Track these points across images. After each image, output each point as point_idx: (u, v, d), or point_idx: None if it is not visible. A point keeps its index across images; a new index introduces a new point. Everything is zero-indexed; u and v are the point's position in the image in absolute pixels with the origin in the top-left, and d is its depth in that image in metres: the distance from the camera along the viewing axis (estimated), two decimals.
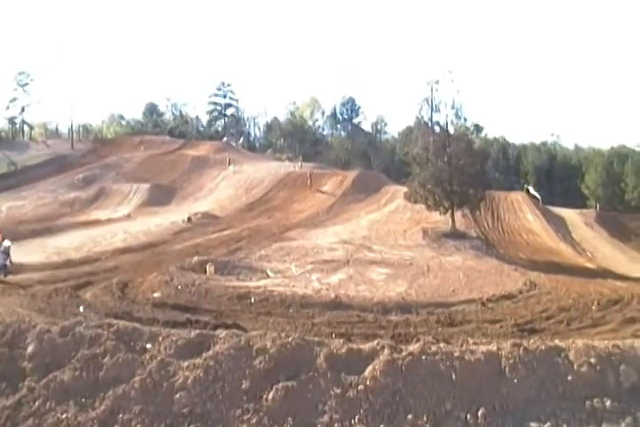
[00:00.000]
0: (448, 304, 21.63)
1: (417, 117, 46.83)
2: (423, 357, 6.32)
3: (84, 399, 6.73)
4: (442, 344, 7.26)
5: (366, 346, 6.75)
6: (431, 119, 45.17)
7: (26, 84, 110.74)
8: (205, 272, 25.68)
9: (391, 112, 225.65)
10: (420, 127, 46.84)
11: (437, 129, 44.75)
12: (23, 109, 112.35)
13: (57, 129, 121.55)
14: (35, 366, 7.27)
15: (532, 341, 7.39)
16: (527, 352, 6.67)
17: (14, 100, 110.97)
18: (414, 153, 44.26)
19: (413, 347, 6.60)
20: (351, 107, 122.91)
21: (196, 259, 27.63)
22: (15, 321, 8.29)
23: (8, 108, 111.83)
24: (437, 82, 43.84)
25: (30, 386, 7.01)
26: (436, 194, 40.95)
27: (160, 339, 7.22)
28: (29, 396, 6.91)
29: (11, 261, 24.05)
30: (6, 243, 24.82)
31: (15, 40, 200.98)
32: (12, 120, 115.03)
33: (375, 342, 6.88)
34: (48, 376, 7.05)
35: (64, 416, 6.60)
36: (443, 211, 41.57)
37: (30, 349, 7.47)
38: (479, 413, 5.90)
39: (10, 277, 23.37)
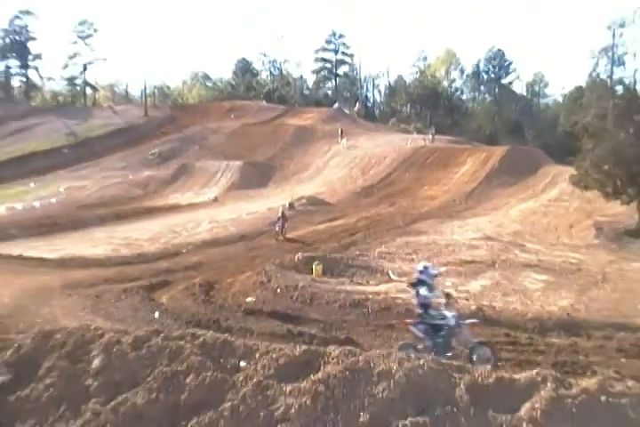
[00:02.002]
0: (634, 327, 20.69)
1: (591, 74, 45.56)
2: (602, 397, 6.00)
3: None
4: (630, 382, 6.87)
5: (522, 376, 6.50)
6: (611, 76, 43.94)
7: (88, 37, 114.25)
8: (311, 272, 25.88)
9: (553, 68, 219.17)
10: (596, 87, 45.44)
11: (620, 89, 43.16)
12: (85, 68, 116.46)
13: (127, 92, 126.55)
14: (101, 384, 7.44)
15: None
16: None
17: (74, 56, 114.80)
18: (586, 122, 42.82)
19: (589, 382, 6.29)
20: (499, 63, 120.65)
21: (299, 255, 27.86)
22: (78, 328, 8.51)
23: (67, 66, 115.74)
24: (623, 24, 42.40)
25: (95, 409, 7.17)
26: (617, 177, 39.18)
27: (257, 355, 7.24)
28: (93, 422, 7.06)
29: None
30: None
31: None
32: (71, 81, 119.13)
33: (534, 371, 6.62)
34: (117, 398, 7.19)
35: None
36: (625, 200, 39.73)
37: (96, 363, 7.65)
38: None
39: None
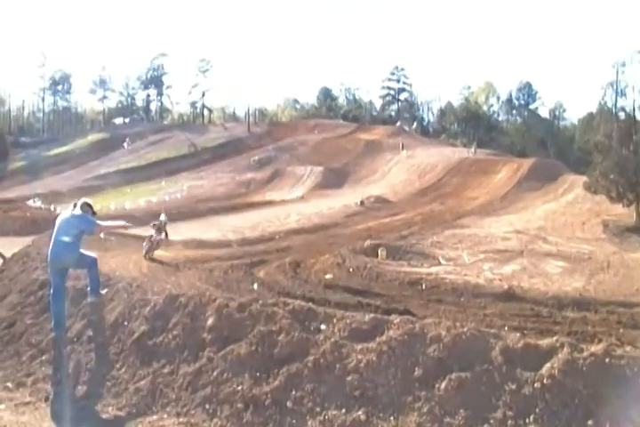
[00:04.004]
0: (631, 304, 20.03)
1: (599, 103, 44.84)
2: (607, 359, 5.87)
3: (258, 373, 6.95)
4: (627, 348, 6.77)
5: (544, 342, 6.40)
6: (615, 104, 43.07)
7: (206, 71, 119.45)
8: (377, 256, 25.74)
9: (570, 97, 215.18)
10: (603, 113, 44.58)
11: (622, 115, 42.34)
12: (203, 94, 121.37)
13: (234, 113, 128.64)
14: (214, 337, 7.62)
15: None
16: None
17: (196, 85, 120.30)
18: (596, 140, 42.10)
19: (596, 348, 6.16)
20: (528, 92, 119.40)
21: (368, 242, 27.75)
22: (196, 294, 8.72)
23: (190, 93, 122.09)
24: (624, 64, 41.64)
25: (209, 356, 7.37)
26: (620, 185, 38.43)
27: (334, 320, 7.29)
28: (208, 365, 7.27)
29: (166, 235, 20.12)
30: (162, 217, 21.06)
31: (198, 29, 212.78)
32: (193, 104, 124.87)
33: (554, 338, 6.51)
34: (226, 348, 7.36)
35: (239, 388, 6.86)
36: (626, 203, 38.94)
37: (210, 321, 7.83)
38: None
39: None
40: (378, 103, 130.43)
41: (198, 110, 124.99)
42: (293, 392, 6.58)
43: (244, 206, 46.90)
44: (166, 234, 20.61)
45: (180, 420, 6.76)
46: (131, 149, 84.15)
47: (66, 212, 9.34)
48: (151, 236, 20.20)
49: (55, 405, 7.48)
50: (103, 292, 9.17)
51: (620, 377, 5.69)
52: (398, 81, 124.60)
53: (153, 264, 19.19)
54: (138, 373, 7.63)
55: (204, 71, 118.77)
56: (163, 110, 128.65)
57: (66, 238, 8.83)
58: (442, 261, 25.86)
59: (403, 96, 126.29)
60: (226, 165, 72.52)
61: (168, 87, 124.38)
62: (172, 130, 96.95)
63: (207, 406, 6.82)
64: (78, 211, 9.15)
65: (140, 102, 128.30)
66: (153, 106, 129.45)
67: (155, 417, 6.91)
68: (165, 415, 6.91)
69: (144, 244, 19.57)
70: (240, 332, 7.52)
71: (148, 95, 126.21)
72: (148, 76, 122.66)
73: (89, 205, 9.36)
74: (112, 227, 9.68)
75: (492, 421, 5.68)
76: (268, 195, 56.15)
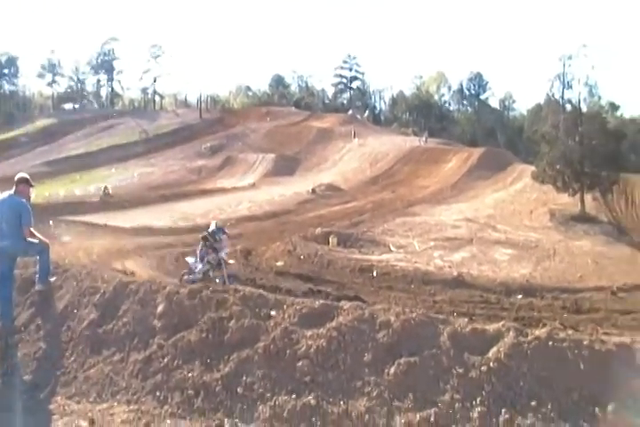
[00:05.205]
0: (574, 290, 20.78)
1: (547, 94, 45.90)
2: (550, 343, 6.03)
3: (209, 360, 6.93)
4: (570, 331, 6.98)
5: (491, 327, 6.53)
6: (562, 96, 43.97)
7: (158, 57, 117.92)
8: (328, 244, 25.93)
9: (520, 88, 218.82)
10: (551, 104, 45.53)
11: (569, 107, 43.29)
12: (155, 80, 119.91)
13: (186, 99, 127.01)
14: (164, 324, 7.57)
15: None
16: None
17: (147, 71, 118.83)
18: (543, 131, 43.04)
19: (540, 332, 6.31)
20: (478, 82, 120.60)
21: (319, 230, 27.92)
22: (147, 281, 8.66)
23: (141, 78, 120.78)
24: (570, 57, 42.57)
25: (160, 343, 7.32)
26: (565, 175, 39.51)
27: (284, 307, 7.31)
28: (159, 352, 7.22)
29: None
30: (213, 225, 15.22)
31: (149, 14, 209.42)
32: (144, 90, 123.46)
33: (500, 323, 6.65)
34: (176, 335, 7.32)
35: (190, 375, 6.84)
36: (572, 193, 40.07)
37: (160, 308, 7.77)
38: (609, 408, 5.57)
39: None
40: (330, 91, 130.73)
41: (150, 96, 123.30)
42: (244, 378, 6.58)
43: (196, 193, 46.57)
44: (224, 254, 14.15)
45: (131, 407, 6.71)
46: (80, 136, 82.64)
47: (4, 194, 8.88)
48: (208, 257, 13.95)
49: (2, 396, 7.35)
50: (52, 280, 9.01)
51: (562, 359, 5.85)
52: (351, 69, 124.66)
53: (103, 252, 18.96)
54: (87, 361, 7.53)
55: (156, 57, 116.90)
56: (113, 96, 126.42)
57: (9, 226, 8.60)
58: (392, 249, 26.14)
59: (355, 84, 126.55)
60: (177, 152, 71.83)
61: (119, 72, 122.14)
62: (123, 116, 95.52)
63: (158, 394, 6.78)
64: (14, 190, 8.72)
65: (90, 87, 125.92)
66: (103, 91, 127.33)
67: (105, 405, 6.84)
68: (115, 403, 6.86)
69: (196, 271, 13.95)
70: (190, 319, 7.49)
71: (99, 80, 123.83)
72: (99, 60, 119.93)
73: (27, 181, 8.83)
74: (36, 237, 9.11)
75: (439, 404, 5.77)
76: (219, 182, 55.83)
